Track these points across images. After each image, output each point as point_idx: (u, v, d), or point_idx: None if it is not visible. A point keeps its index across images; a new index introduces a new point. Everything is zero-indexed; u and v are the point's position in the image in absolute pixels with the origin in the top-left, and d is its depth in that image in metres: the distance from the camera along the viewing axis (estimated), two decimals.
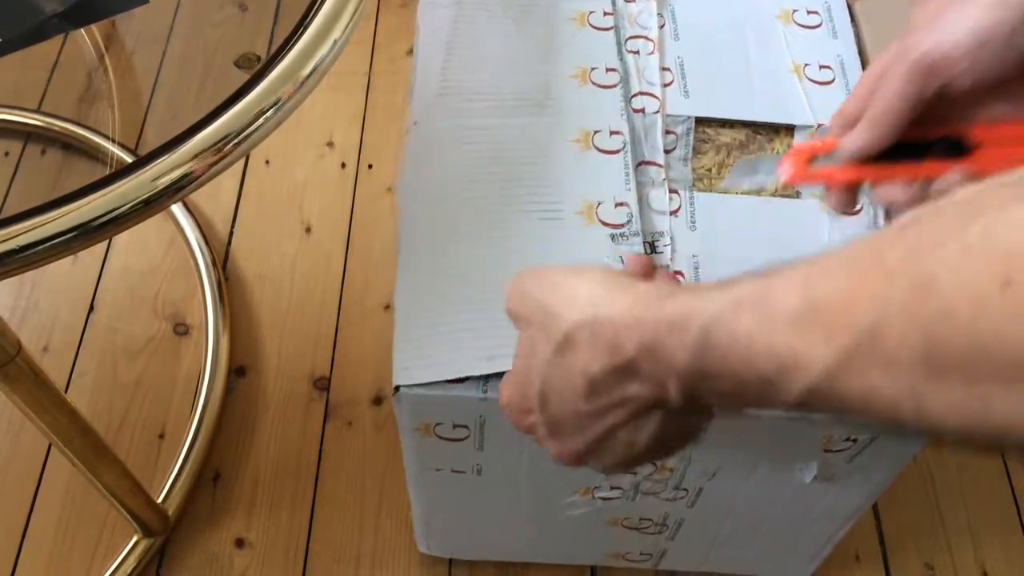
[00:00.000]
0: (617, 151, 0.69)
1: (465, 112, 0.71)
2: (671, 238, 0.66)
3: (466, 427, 0.66)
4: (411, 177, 0.70)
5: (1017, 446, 0.27)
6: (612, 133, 0.70)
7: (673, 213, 0.67)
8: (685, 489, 0.73)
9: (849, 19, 0.79)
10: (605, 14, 0.77)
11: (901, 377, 0.28)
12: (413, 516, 0.88)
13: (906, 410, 0.29)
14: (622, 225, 0.66)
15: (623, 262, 0.64)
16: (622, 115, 0.71)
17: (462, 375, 0.61)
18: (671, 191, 0.68)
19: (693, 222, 0.67)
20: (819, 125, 0.71)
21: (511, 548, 0.90)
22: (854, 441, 0.63)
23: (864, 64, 0.76)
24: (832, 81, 0.74)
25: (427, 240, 0.67)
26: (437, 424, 0.65)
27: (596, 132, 0.70)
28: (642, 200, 0.68)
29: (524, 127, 0.70)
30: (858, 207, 0.60)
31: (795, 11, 0.79)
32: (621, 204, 0.67)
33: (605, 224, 0.66)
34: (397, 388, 0.62)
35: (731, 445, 0.65)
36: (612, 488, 0.72)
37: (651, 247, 0.66)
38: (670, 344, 0.36)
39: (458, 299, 0.63)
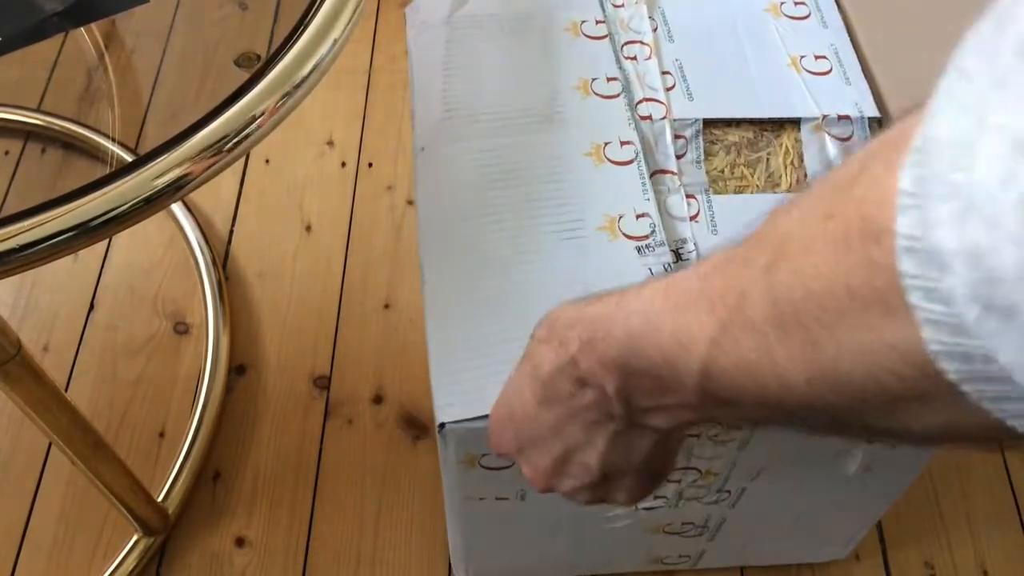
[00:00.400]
0: (630, 161, 0.69)
1: (472, 133, 0.71)
2: (695, 244, 0.66)
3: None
4: (427, 204, 0.69)
5: (850, 397, 0.28)
6: (623, 143, 0.70)
7: (693, 218, 0.67)
8: (728, 491, 0.72)
9: (836, 7, 0.79)
10: (597, 22, 0.77)
11: (760, 338, 0.30)
12: (451, 545, 0.88)
13: (767, 376, 0.30)
14: (646, 236, 0.66)
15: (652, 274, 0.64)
16: (629, 124, 0.71)
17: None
18: (688, 196, 0.68)
19: (714, 225, 0.67)
20: (824, 116, 0.71)
21: (549, 564, 0.89)
22: None
23: (857, 51, 0.76)
24: (830, 71, 0.74)
25: (452, 268, 0.66)
26: (483, 455, 0.64)
27: (607, 144, 0.70)
28: (661, 208, 0.67)
29: (535, 144, 0.70)
30: None
31: (782, 3, 0.79)
32: (643, 215, 0.66)
33: (629, 237, 0.66)
34: (442, 425, 0.61)
35: (776, 444, 0.65)
36: (656, 497, 0.72)
37: (676, 255, 0.66)
38: (603, 337, 0.37)
39: (492, 329, 0.63)
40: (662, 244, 0.65)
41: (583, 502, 0.46)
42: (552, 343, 0.40)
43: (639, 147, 0.70)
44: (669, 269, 0.64)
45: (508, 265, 0.65)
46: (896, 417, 0.28)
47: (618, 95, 0.72)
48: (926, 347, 0.24)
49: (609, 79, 0.73)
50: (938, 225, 0.23)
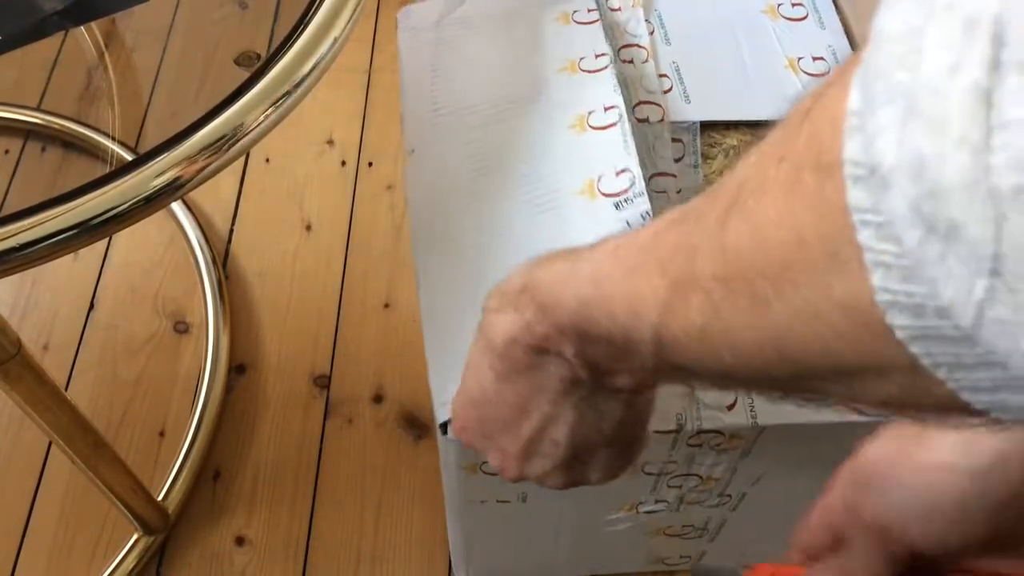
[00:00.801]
0: (613, 124, 0.68)
1: (460, 128, 0.71)
2: None
3: None
4: (417, 204, 0.69)
5: (796, 362, 0.27)
6: (606, 109, 0.69)
7: None
8: (729, 495, 0.72)
9: (833, 7, 0.79)
10: (589, 11, 0.77)
11: (707, 298, 0.28)
12: (452, 546, 0.88)
13: (718, 343, 0.28)
14: (625, 191, 0.64)
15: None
16: (615, 90, 0.69)
17: None
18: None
19: None
20: None
21: (551, 565, 0.89)
22: None
23: (856, 52, 0.76)
24: (828, 72, 0.74)
25: (442, 264, 0.66)
26: (484, 463, 0.64)
27: (591, 112, 0.69)
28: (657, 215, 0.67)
29: (519, 128, 0.70)
30: None
31: (780, 4, 0.79)
32: (623, 171, 0.65)
33: (607, 195, 0.64)
34: (445, 428, 0.60)
35: (778, 451, 0.65)
36: (657, 502, 0.72)
37: None
38: (553, 305, 0.35)
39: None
40: (641, 194, 0.63)
41: (557, 485, 0.44)
42: (505, 311, 0.37)
43: (623, 109, 0.68)
44: (647, 217, 0.63)
45: (492, 253, 0.65)
46: (853, 388, 0.26)
47: (605, 68, 0.71)
48: (875, 297, 0.22)
49: (597, 55, 0.72)
50: (879, 135, 0.20)
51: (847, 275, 0.22)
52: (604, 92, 0.70)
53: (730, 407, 0.60)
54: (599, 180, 0.65)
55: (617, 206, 0.63)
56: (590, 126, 0.68)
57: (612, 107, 0.68)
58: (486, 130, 0.70)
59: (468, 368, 0.41)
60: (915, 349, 0.22)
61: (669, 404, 0.60)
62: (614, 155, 0.66)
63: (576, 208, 0.65)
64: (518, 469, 0.42)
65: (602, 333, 0.33)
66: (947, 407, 0.23)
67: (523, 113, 0.71)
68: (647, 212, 0.63)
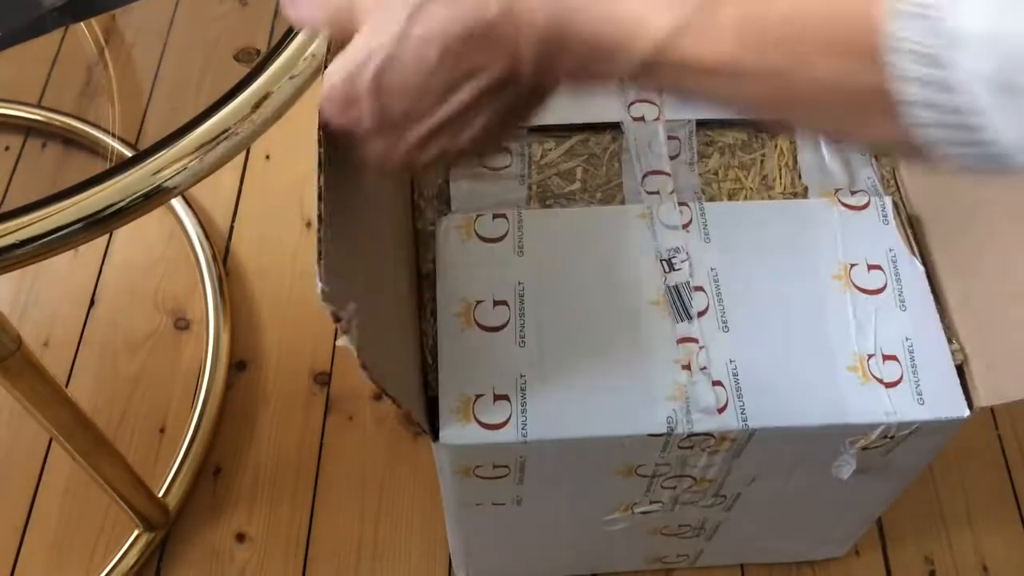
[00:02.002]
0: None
1: None
2: (687, 253, 0.66)
3: (506, 466, 0.65)
4: None
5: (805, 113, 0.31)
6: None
7: (685, 227, 0.67)
8: (723, 495, 0.72)
9: None
10: None
11: (725, 49, 0.31)
12: (451, 546, 0.88)
13: (723, 83, 0.32)
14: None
15: None
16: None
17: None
18: (680, 204, 0.68)
19: (707, 234, 0.67)
20: None
21: (549, 564, 0.89)
22: (891, 438, 0.63)
23: None
24: None
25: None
26: (477, 467, 0.64)
27: None
28: (653, 217, 0.67)
29: None
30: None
31: None
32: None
33: None
34: (436, 435, 0.60)
35: (770, 453, 0.65)
36: (652, 503, 0.72)
37: (668, 264, 0.65)
38: (528, 7, 0.35)
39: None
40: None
41: (430, 168, 0.43)
42: (455, 4, 0.36)
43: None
44: None
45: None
46: (846, 131, 0.31)
47: None
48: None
49: None
50: None
51: (875, 68, 0.27)
52: None
53: (721, 409, 0.61)
54: None
55: None
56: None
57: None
58: None
59: (380, 54, 0.38)
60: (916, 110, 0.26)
61: (659, 408, 0.61)
62: None
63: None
64: (407, 158, 0.41)
65: (579, 42, 0.35)
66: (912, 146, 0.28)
67: None
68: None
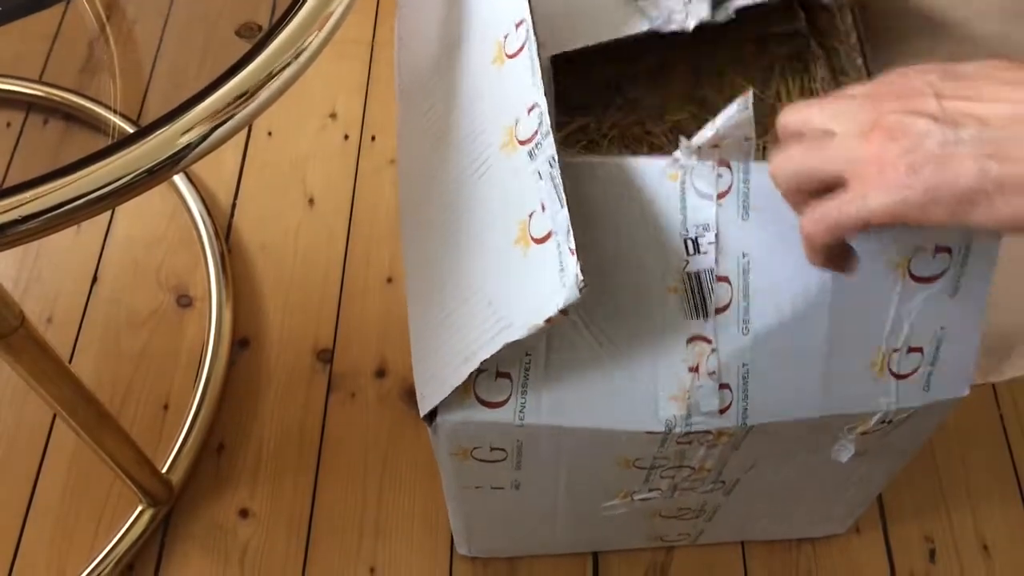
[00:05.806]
0: (520, 48, 0.55)
1: (420, 97, 0.67)
2: (717, 233, 0.55)
3: (503, 449, 0.63)
4: (402, 189, 0.67)
5: None
6: (517, 25, 0.55)
7: (721, 197, 0.54)
8: (723, 481, 0.71)
9: None
10: None
11: None
12: (452, 525, 0.88)
13: None
14: (534, 135, 0.52)
15: (543, 207, 0.51)
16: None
17: (452, 388, 0.56)
18: (721, 163, 0.54)
19: (745, 209, 0.55)
20: None
21: (550, 543, 0.90)
22: (889, 423, 0.61)
23: None
24: None
25: (420, 247, 0.63)
26: (475, 448, 0.63)
27: (506, 36, 0.57)
28: (684, 182, 0.55)
29: (456, 81, 0.62)
30: None
31: None
32: (532, 107, 0.53)
33: (522, 143, 0.54)
34: (431, 418, 0.58)
35: (769, 443, 0.64)
36: (651, 490, 0.71)
37: (694, 245, 0.55)
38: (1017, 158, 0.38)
39: (452, 304, 0.57)
40: (547, 134, 0.51)
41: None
42: (961, 145, 0.38)
43: (529, 24, 0.55)
44: (552, 165, 0.51)
45: (445, 231, 0.60)
46: None
47: None
48: None
49: None
50: None
51: None
52: (519, 7, 0.56)
53: (723, 411, 0.58)
54: (516, 126, 0.54)
55: (530, 155, 0.52)
56: (506, 55, 0.57)
57: (520, 23, 0.55)
58: (435, 97, 0.65)
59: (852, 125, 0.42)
60: None
61: (660, 407, 0.58)
62: (523, 89, 0.54)
63: (504, 165, 0.55)
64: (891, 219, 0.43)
65: None
66: None
67: (465, 60, 0.62)
68: (552, 159, 0.51)
